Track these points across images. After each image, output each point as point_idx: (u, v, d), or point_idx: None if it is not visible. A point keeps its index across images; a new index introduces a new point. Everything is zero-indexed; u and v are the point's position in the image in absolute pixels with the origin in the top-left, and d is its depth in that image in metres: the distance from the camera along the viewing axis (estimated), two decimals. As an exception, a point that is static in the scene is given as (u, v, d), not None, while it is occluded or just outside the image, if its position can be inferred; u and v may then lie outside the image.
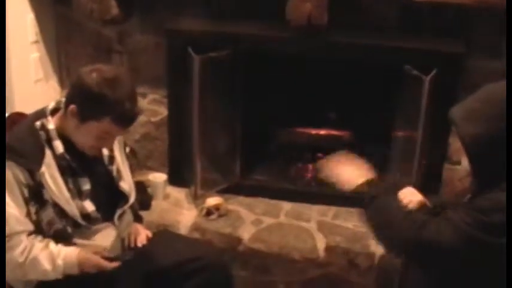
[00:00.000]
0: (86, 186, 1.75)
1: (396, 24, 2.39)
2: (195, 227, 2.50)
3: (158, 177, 2.69)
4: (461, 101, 1.77)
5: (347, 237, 2.46)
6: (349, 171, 1.88)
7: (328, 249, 2.41)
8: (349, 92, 2.74)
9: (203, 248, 2.04)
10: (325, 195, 2.76)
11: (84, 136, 1.69)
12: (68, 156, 1.71)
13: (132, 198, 1.90)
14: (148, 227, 2.11)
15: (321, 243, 2.43)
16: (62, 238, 1.74)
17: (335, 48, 2.39)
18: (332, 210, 2.69)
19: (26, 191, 1.63)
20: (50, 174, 1.66)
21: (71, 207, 1.70)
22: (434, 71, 2.26)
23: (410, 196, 1.97)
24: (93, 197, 1.77)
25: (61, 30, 2.72)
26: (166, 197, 2.72)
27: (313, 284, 2.45)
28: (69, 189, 1.71)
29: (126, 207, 1.89)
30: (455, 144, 2.54)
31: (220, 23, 2.46)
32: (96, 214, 1.77)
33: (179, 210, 2.62)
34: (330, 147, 2.97)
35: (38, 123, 1.71)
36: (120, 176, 1.88)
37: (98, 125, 1.65)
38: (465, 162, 1.72)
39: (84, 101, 1.63)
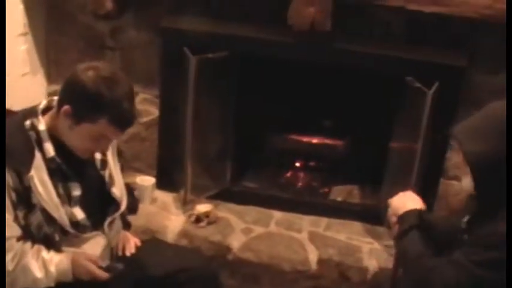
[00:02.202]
0: (77, 191, 1.65)
1: (400, 35, 2.33)
2: (183, 234, 2.41)
3: (146, 181, 2.60)
4: (464, 118, 1.71)
5: (340, 250, 2.39)
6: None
7: (321, 261, 2.34)
8: (346, 100, 2.67)
9: (193, 257, 1.95)
10: (317, 205, 2.70)
11: (78, 138, 1.59)
12: (59, 160, 1.60)
13: (123, 205, 1.80)
14: (134, 232, 2.02)
15: (313, 256, 2.36)
16: (50, 244, 1.63)
17: (336, 56, 2.32)
18: (324, 221, 2.62)
19: (13, 195, 1.52)
20: (39, 178, 1.56)
21: (60, 213, 1.60)
22: (436, 85, 2.20)
23: (404, 204, 1.87)
24: (83, 203, 1.67)
25: (51, 23, 2.61)
26: (153, 200, 2.63)
27: (302, 296, 2.39)
28: (58, 195, 1.60)
29: (117, 214, 1.79)
30: (453, 159, 2.50)
31: (218, 24, 2.38)
32: (85, 222, 1.67)
33: (167, 215, 2.53)
34: (323, 156, 2.91)
35: (27, 123, 1.60)
36: (112, 181, 1.78)
37: (94, 127, 1.55)
38: (466, 181, 1.65)
39: (79, 101, 1.53)
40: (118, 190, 1.80)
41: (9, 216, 1.53)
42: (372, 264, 2.33)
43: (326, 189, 2.87)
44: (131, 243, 1.90)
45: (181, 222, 2.47)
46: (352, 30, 2.30)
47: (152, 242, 2.00)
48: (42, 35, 2.59)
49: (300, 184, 2.93)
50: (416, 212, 1.75)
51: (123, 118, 1.56)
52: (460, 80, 2.31)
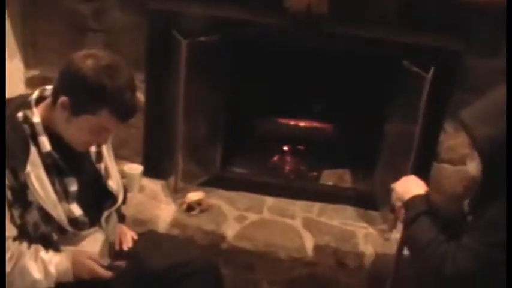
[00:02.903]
0: (73, 187, 1.56)
1: (396, 18, 2.28)
2: (176, 223, 2.34)
3: (134, 169, 2.51)
4: (459, 102, 1.69)
5: (335, 236, 2.37)
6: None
7: (317, 248, 2.31)
8: (338, 84, 2.61)
9: (192, 251, 1.88)
10: (308, 190, 2.66)
11: (77, 131, 1.49)
12: (55, 155, 1.51)
13: (120, 198, 1.72)
14: (125, 223, 1.94)
15: (309, 242, 2.32)
16: (48, 244, 1.54)
17: (332, 39, 2.26)
18: (316, 206, 2.59)
19: (9, 194, 1.42)
20: (36, 174, 1.46)
21: (58, 211, 1.51)
22: (433, 69, 2.17)
23: (408, 189, 1.84)
24: (80, 198, 1.58)
25: (28, 4, 2.46)
26: (141, 189, 2.54)
27: (298, 283, 2.35)
28: (55, 191, 1.51)
29: (114, 208, 1.71)
30: (446, 142, 2.49)
31: (209, 6, 2.28)
32: (83, 218, 1.58)
33: (157, 204, 2.45)
34: (311, 140, 2.87)
35: (20, 115, 1.49)
36: (107, 174, 1.69)
37: (94, 119, 1.45)
38: (471, 165, 1.63)
39: (79, 92, 1.43)
40: (114, 183, 1.72)
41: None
42: (368, 249, 2.31)
43: (315, 173, 2.84)
44: (128, 237, 1.83)
45: (173, 211, 2.40)
46: (348, 14, 2.23)
47: (149, 235, 1.92)
48: (18, 16, 2.44)
49: (287, 168, 2.89)
50: (423, 197, 1.72)
51: (125, 109, 1.47)
52: (456, 64, 2.29)
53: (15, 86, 2.48)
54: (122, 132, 2.60)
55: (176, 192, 2.47)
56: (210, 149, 2.64)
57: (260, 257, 2.30)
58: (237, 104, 2.63)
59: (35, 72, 2.55)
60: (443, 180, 2.54)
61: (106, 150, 1.72)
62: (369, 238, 2.38)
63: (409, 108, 2.30)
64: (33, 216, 1.48)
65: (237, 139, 2.77)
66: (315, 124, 2.87)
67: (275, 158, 2.92)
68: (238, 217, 2.43)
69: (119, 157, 2.60)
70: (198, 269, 1.78)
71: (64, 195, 1.53)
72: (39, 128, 1.48)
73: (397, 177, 2.36)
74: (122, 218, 1.89)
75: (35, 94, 1.55)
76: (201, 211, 2.39)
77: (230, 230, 2.33)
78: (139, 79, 2.51)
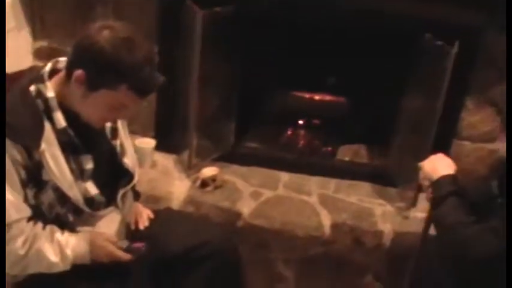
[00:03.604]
0: (89, 165, 1.49)
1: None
2: (190, 200, 2.28)
3: (146, 143, 2.44)
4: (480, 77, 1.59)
5: (353, 214, 2.31)
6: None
7: (334, 226, 2.25)
8: (355, 57, 2.52)
9: (211, 230, 1.82)
10: (324, 166, 2.60)
11: (94, 107, 1.41)
12: (70, 131, 1.44)
13: (136, 176, 1.66)
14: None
15: (326, 220, 2.27)
16: (64, 225, 1.49)
17: (350, 12, 2.18)
18: (332, 182, 2.53)
19: (23, 173, 1.36)
20: (51, 152, 1.39)
21: (74, 191, 1.45)
22: (457, 43, 2.07)
23: (436, 168, 1.74)
24: (95, 176, 1.52)
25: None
26: (152, 164, 2.48)
27: (314, 261, 2.31)
28: (71, 170, 1.44)
29: (130, 186, 1.65)
30: (467, 119, 2.41)
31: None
32: (99, 197, 1.53)
33: (170, 180, 2.39)
34: (327, 114, 2.79)
35: (33, 89, 1.41)
36: (123, 151, 1.63)
37: (112, 94, 1.37)
38: (501, 145, 1.57)
39: (96, 66, 1.35)
40: (130, 160, 1.65)
41: (18, 197, 1.37)
42: (386, 228, 2.26)
43: (329, 148, 2.77)
44: (144, 216, 1.78)
45: (186, 188, 2.34)
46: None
47: (165, 214, 1.86)
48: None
49: (301, 143, 2.81)
50: (452, 177, 1.66)
51: (145, 84, 1.39)
52: (479, 39, 2.20)
53: (23, 58, 2.41)
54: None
55: (190, 168, 2.41)
56: (224, 124, 2.57)
57: (276, 235, 2.25)
58: (250, 77, 2.54)
59: (43, 43, 2.47)
60: (462, 158, 2.47)
61: (121, 126, 1.65)
62: (387, 216, 2.33)
63: (429, 84, 2.22)
64: (48, 196, 1.42)
65: (251, 113, 2.70)
66: (331, 98, 2.78)
67: (289, 133, 2.85)
68: (253, 193, 2.37)
69: (129, 132, 2.57)
70: (216, 250, 1.72)
71: (80, 174, 1.47)
72: (54, 103, 1.41)
73: (414, 154, 2.32)
74: (137, 196, 1.84)
75: (48, 66, 1.46)
76: (216, 187, 2.33)
77: (246, 208, 2.27)
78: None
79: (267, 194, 2.38)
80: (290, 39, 2.51)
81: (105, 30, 1.35)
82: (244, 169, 2.53)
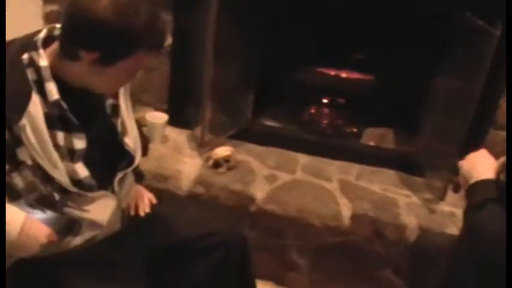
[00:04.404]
0: (80, 144, 1.34)
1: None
2: (200, 180, 2.13)
3: (158, 117, 2.29)
4: None
5: (375, 204, 2.13)
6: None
7: (354, 217, 2.08)
8: (385, 33, 2.31)
9: (217, 219, 1.67)
10: (346, 149, 2.42)
11: (110, 79, 1.29)
12: (64, 105, 1.29)
13: (137, 158, 1.51)
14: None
15: (346, 210, 2.10)
16: (48, 205, 1.35)
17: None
18: (354, 168, 2.36)
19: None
20: (33, 127, 1.24)
21: (59, 172, 1.30)
22: (502, 24, 1.85)
23: (476, 170, 1.53)
24: (88, 157, 1.37)
25: None
26: (164, 139, 2.33)
27: (329, 251, 2.15)
28: (56, 147, 1.29)
29: (129, 169, 1.50)
30: (504, 106, 2.20)
31: None
32: (90, 181, 1.37)
33: (180, 157, 2.24)
34: (353, 93, 2.59)
35: (25, 57, 1.27)
36: (124, 131, 1.47)
37: (130, 62, 1.25)
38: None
39: (108, 42, 1.21)
40: (131, 141, 1.49)
41: None
42: (410, 221, 2.08)
43: (354, 129, 2.58)
44: (145, 201, 1.63)
45: (198, 167, 2.19)
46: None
47: (169, 199, 1.72)
48: None
49: (324, 122, 2.63)
50: (492, 182, 1.46)
51: (161, 39, 1.30)
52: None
53: (33, 23, 2.25)
54: (144, 75, 2.37)
55: (202, 146, 2.25)
56: (241, 99, 2.40)
57: (290, 223, 2.10)
58: (271, 51, 2.36)
59: (53, 7, 2.31)
60: (496, 147, 2.25)
61: (124, 102, 1.48)
62: (412, 208, 2.15)
63: (467, 66, 2.01)
64: (24, 178, 1.28)
65: (270, 89, 2.52)
66: (358, 76, 2.57)
67: (312, 111, 2.66)
68: (269, 176, 2.21)
69: (140, 103, 2.42)
70: (222, 242, 1.58)
71: (68, 153, 1.32)
72: (47, 73, 1.26)
73: (446, 141, 2.13)
74: (139, 177, 1.69)
75: (43, 33, 1.31)
76: (229, 168, 2.18)
77: (259, 191, 2.12)
78: (166, 19, 2.26)
79: (284, 177, 2.22)
80: (316, 11, 2.31)
81: (103, 1, 1.18)
82: (260, 148, 2.37)
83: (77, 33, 1.22)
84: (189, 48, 2.25)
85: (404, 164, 2.35)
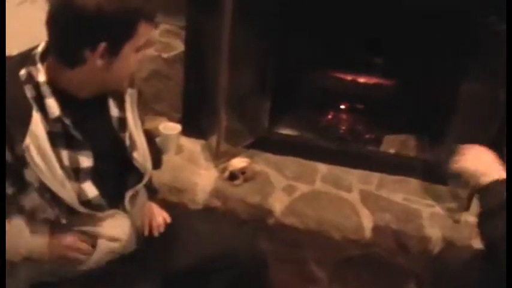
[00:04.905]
0: (86, 162, 1.28)
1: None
2: (216, 193, 2.07)
3: (171, 128, 2.23)
4: None
5: (397, 215, 2.06)
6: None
7: (376, 229, 2.01)
8: (405, 35, 2.22)
9: (234, 236, 1.60)
10: (366, 157, 2.34)
11: (123, 68, 1.25)
12: (67, 121, 1.24)
13: (148, 174, 1.44)
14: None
15: (367, 222, 2.03)
16: (55, 227, 1.30)
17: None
18: (375, 176, 2.28)
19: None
20: (38, 147, 1.19)
21: (67, 191, 1.25)
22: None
23: (486, 167, 1.44)
24: (96, 175, 1.31)
25: None
26: (178, 149, 2.27)
27: (350, 264, 2.08)
28: (62, 167, 1.24)
29: (140, 186, 1.43)
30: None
31: None
32: (99, 200, 1.32)
33: (195, 169, 2.18)
34: (372, 99, 2.51)
35: (23, 73, 1.22)
36: (133, 145, 1.40)
37: (135, 40, 1.21)
38: None
39: (112, 27, 1.17)
40: (140, 155, 1.42)
41: None
42: (435, 233, 2.00)
43: (373, 136, 2.50)
44: (159, 220, 1.57)
45: (213, 179, 2.13)
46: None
47: (183, 216, 1.65)
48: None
49: (343, 128, 2.55)
50: (505, 181, 1.34)
51: (153, 3, 1.25)
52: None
53: (40, 32, 2.20)
54: (157, 84, 2.32)
55: (218, 157, 2.18)
56: (257, 106, 2.33)
57: (310, 236, 2.03)
58: (287, 55, 2.29)
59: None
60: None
61: (131, 114, 1.40)
62: (436, 219, 2.07)
63: (492, 71, 1.93)
64: (32, 199, 1.23)
65: (287, 95, 2.44)
66: (377, 80, 2.49)
67: (329, 117, 2.59)
68: (287, 188, 2.14)
69: (154, 112, 2.36)
70: (240, 259, 1.52)
71: (74, 172, 1.26)
72: (46, 89, 1.21)
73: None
74: (152, 193, 1.63)
75: (41, 47, 1.26)
76: (245, 180, 2.11)
77: (278, 203, 2.05)
78: (179, 25, 2.20)
79: (303, 188, 2.15)
80: (334, 14, 2.23)
81: None
82: (278, 158, 2.30)
83: (76, 33, 1.17)
84: (203, 55, 2.19)
85: (427, 172, 2.27)
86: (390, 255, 2.03)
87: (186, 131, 2.31)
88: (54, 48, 1.22)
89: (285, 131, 2.43)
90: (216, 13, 1.98)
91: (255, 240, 1.71)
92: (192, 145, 2.31)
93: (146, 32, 1.23)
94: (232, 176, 2.10)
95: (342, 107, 2.58)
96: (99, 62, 1.19)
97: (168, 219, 1.58)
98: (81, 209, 1.29)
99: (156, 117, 2.34)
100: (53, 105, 1.22)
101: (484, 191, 1.39)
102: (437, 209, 2.13)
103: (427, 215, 2.09)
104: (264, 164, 2.25)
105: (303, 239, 2.05)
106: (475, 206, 2.05)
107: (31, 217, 1.26)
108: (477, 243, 1.94)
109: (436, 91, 2.25)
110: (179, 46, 2.23)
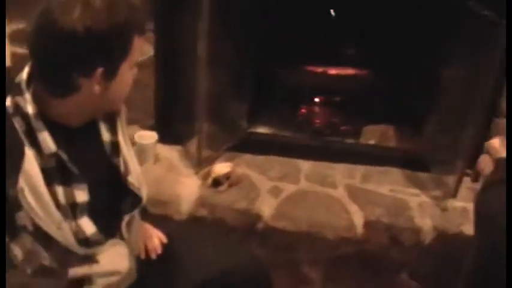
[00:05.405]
0: (82, 196, 1.18)
1: None
2: (201, 202, 1.99)
3: (147, 137, 2.12)
4: None
5: (387, 208, 2.04)
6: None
7: (367, 225, 1.98)
8: (380, 23, 2.19)
9: (237, 255, 1.51)
10: (347, 152, 2.31)
11: (120, 88, 1.16)
12: (63, 155, 1.13)
13: (144, 196, 1.35)
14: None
15: (358, 218, 2.00)
16: (49, 274, 1.18)
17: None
18: (358, 170, 2.25)
19: None
20: (32, 188, 1.09)
21: (64, 233, 1.15)
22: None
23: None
24: (92, 208, 1.21)
25: None
26: (155, 159, 2.17)
27: (343, 262, 2.05)
28: (58, 206, 1.13)
29: (136, 211, 1.34)
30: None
31: None
32: (97, 237, 1.22)
33: (176, 178, 2.09)
34: (347, 90, 2.47)
35: (9, 104, 1.10)
36: (127, 169, 1.31)
37: (130, 57, 1.13)
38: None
39: (110, 48, 1.08)
40: (135, 179, 1.33)
41: None
42: (425, 224, 1.99)
43: (349, 127, 2.46)
44: (155, 241, 1.48)
45: (196, 187, 2.05)
46: None
47: (180, 234, 1.56)
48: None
49: (318, 121, 2.50)
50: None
51: (142, 14, 1.17)
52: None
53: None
54: (130, 91, 2.19)
55: (200, 164, 2.10)
56: (235, 108, 2.26)
57: (302, 238, 1.99)
58: (261, 54, 2.22)
59: (19, 25, 2.11)
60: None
61: (122, 137, 1.32)
62: (425, 208, 2.06)
63: (472, 57, 1.93)
64: (24, 245, 1.12)
65: (263, 94, 2.38)
66: (351, 72, 2.45)
67: (303, 110, 2.54)
68: (273, 189, 2.09)
69: (127, 120, 2.25)
70: (243, 277, 1.45)
71: (70, 209, 1.16)
72: (37, 122, 1.10)
73: (452, 134, 2.04)
74: (144, 214, 1.53)
75: (25, 73, 1.14)
76: (230, 185, 2.04)
77: (266, 207, 1.99)
78: (148, 28, 2.09)
79: (288, 188, 2.10)
80: (302, 7, 2.18)
81: (73, 11, 1.03)
82: (259, 159, 2.24)
83: (68, 61, 1.07)
84: (174, 58, 2.09)
85: (409, 162, 2.26)
86: (383, 250, 2.01)
87: (161, 138, 2.21)
88: (42, 78, 1.11)
89: (263, 130, 2.36)
90: (191, 15, 1.89)
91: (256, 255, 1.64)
92: (169, 152, 2.23)
93: (140, 45, 1.14)
94: (216, 183, 2.03)
95: (316, 100, 2.53)
96: (97, 88, 1.10)
97: (164, 240, 1.49)
98: (79, 251, 1.19)
99: (130, 126, 2.22)
100: (47, 140, 1.11)
101: (501, 161, 1.37)
102: (424, 198, 2.12)
103: (415, 205, 2.08)
104: (246, 166, 2.19)
105: (295, 241, 2.00)
106: (462, 192, 2.07)
107: (26, 263, 1.14)
108: (468, 230, 1.96)
109: (414, 79, 2.24)
110: (149, 50, 2.13)
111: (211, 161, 2.12)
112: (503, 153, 1.40)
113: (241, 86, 2.20)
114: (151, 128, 2.23)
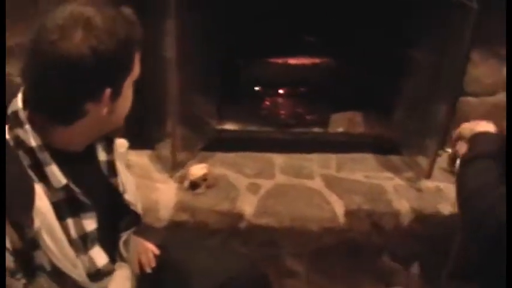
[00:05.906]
0: (91, 224, 1.11)
1: None
2: (181, 207, 1.94)
3: (119, 146, 2.03)
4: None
5: (365, 195, 2.06)
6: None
7: (349, 213, 2.00)
8: (339, 8, 2.19)
9: (234, 262, 1.48)
10: (318, 141, 2.32)
11: (124, 104, 1.10)
12: (74, 186, 1.06)
13: (141, 214, 1.31)
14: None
15: (339, 208, 2.01)
16: None
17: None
18: (332, 159, 2.27)
19: (10, 260, 0.98)
20: (46, 226, 1.02)
21: (78, 270, 1.09)
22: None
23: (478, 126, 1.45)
24: (99, 233, 1.15)
25: None
26: (126, 166, 2.10)
27: (327, 253, 2.06)
28: (70, 241, 1.07)
29: (134, 228, 1.30)
30: (471, 72, 2.18)
31: None
32: (108, 267, 1.16)
33: (151, 184, 2.03)
34: (309, 79, 2.47)
35: (9, 137, 1.02)
36: (124, 188, 1.26)
37: (133, 74, 1.09)
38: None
39: (112, 73, 1.02)
40: (132, 196, 1.28)
41: None
42: (403, 206, 2.03)
43: (315, 116, 2.47)
44: (149, 255, 1.44)
45: (173, 192, 1.99)
46: None
47: (173, 245, 1.52)
48: None
49: (283, 113, 2.50)
50: (494, 136, 1.37)
51: (141, 31, 1.09)
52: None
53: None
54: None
55: (174, 167, 2.05)
56: (205, 108, 2.21)
57: (285, 233, 1.98)
58: (224, 50, 2.18)
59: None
60: (469, 115, 2.25)
61: (117, 156, 1.27)
62: (400, 191, 2.10)
63: (439, 39, 1.96)
64: (41, 284, 1.05)
65: (227, 90, 2.34)
66: (313, 61, 2.45)
67: (267, 103, 2.53)
68: (251, 187, 2.06)
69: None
70: (244, 284, 1.43)
71: (82, 242, 1.10)
72: (44, 155, 1.03)
73: (421, 116, 2.08)
74: (136, 229, 1.48)
75: (20, 101, 1.04)
76: (208, 186, 2.01)
77: (247, 205, 1.97)
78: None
79: (266, 184, 2.09)
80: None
81: (73, 35, 0.96)
82: (231, 156, 2.22)
83: (74, 87, 1.00)
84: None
85: (379, 146, 2.30)
86: (364, 237, 2.03)
87: (129, 143, 2.14)
88: (43, 107, 1.02)
89: (231, 127, 2.33)
90: (152, 14, 1.82)
91: (258, 264, 1.61)
92: (139, 158, 2.16)
93: (138, 59, 1.09)
94: (193, 185, 1.99)
95: (280, 92, 2.52)
96: (105, 110, 1.04)
97: (156, 252, 1.45)
98: (90, 286, 1.13)
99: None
100: (56, 174, 1.04)
101: (472, 140, 1.39)
102: (398, 181, 2.16)
103: (391, 188, 2.12)
104: (220, 165, 2.16)
105: (278, 236, 2.00)
106: (435, 172, 2.12)
107: None
108: (444, 209, 2.01)
109: (379, 63, 2.25)
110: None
111: (185, 163, 2.07)
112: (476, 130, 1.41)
113: (209, 84, 2.15)
114: (119, 134, 2.15)
